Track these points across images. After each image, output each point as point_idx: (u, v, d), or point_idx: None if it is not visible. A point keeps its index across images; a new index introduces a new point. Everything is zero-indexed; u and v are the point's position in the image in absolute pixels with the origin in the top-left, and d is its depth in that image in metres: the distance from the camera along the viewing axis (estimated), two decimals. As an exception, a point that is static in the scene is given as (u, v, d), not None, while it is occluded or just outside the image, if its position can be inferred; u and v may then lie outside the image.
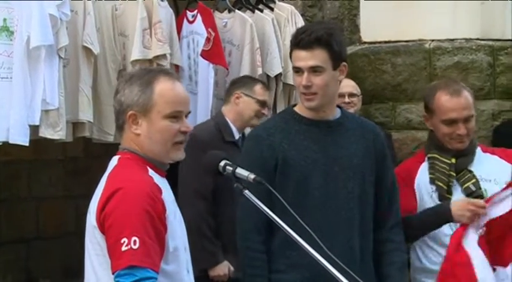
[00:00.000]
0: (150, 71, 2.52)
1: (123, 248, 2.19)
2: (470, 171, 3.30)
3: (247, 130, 4.66)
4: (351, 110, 4.60)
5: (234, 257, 3.97)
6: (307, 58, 2.93)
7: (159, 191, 2.33)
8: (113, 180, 2.34)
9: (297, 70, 2.98)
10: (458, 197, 3.26)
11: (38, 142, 4.35)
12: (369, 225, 3.05)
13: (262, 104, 4.37)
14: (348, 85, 4.79)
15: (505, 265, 3.12)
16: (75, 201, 7.65)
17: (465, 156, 3.32)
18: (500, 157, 3.41)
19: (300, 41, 2.95)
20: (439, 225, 3.22)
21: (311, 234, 2.41)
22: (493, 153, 3.45)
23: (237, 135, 4.31)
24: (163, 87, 2.38)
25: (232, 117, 4.32)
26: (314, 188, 2.94)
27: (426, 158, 3.35)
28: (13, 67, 4.08)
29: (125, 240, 2.19)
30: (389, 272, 3.08)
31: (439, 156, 3.29)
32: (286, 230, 2.41)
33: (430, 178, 3.29)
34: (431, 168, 3.30)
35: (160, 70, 2.63)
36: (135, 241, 2.19)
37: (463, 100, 3.29)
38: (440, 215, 3.19)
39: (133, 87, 2.38)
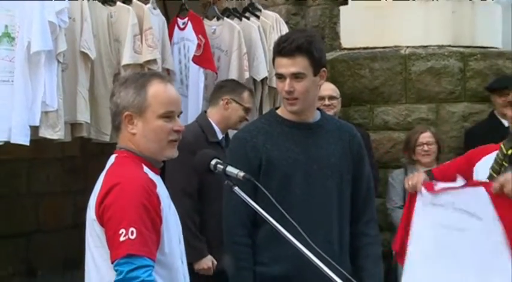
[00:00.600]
0: (144, 74, 2.53)
1: (122, 239, 2.19)
2: None
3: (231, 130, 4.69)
4: (331, 112, 4.61)
5: (218, 251, 3.96)
6: (288, 65, 2.92)
7: (154, 185, 2.33)
8: (111, 176, 2.34)
9: (280, 76, 2.97)
10: None
11: (37, 142, 4.32)
12: (346, 221, 3.05)
13: (247, 110, 4.35)
14: (328, 88, 4.80)
15: None
16: (73, 196, 7.64)
17: None
18: None
19: (282, 49, 2.95)
20: None
21: (294, 229, 2.41)
22: None
23: (220, 136, 4.26)
24: (156, 89, 2.39)
25: (217, 120, 4.27)
26: (296, 186, 2.94)
27: None
28: (14, 71, 4.08)
29: (123, 231, 2.19)
30: (364, 264, 3.09)
31: (502, 146, 3.19)
32: (273, 223, 2.41)
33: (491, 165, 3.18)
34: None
35: (153, 73, 2.64)
36: (132, 232, 2.19)
37: None
38: None
39: (128, 90, 2.39)
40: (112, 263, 2.22)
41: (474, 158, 3.27)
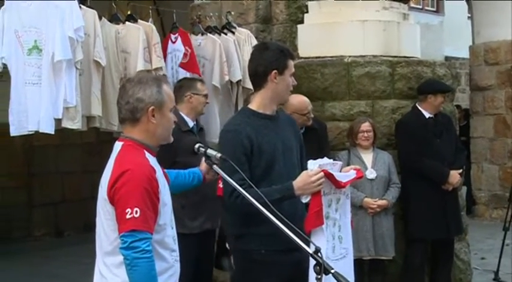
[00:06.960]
0: (156, 77, 2.43)
1: (128, 216, 2.15)
2: None
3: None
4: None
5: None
6: None
7: (154, 171, 2.26)
8: (120, 163, 2.24)
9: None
10: None
11: (61, 131, 4.24)
12: None
13: (206, 96, 4.19)
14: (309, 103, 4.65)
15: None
16: (91, 174, 7.54)
17: None
18: None
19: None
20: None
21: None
22: None
23: (191, 124, 4.12)
24: (167, 89, 2.36)
25: (186, 112, 4.10)
26: (276, 163, 2.84)
27: None
28: (42, 76, 4.02)
29: (129, 210, 2.15)
30: None
31: None
32: (249, 198, 2.35)
33: None
34: None
35: (161, 76, 2.60)
36: (136, 211, 2.14)
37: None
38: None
39: (152, 88, 2.30)
40: (119, 234, 2.17)
41: None
